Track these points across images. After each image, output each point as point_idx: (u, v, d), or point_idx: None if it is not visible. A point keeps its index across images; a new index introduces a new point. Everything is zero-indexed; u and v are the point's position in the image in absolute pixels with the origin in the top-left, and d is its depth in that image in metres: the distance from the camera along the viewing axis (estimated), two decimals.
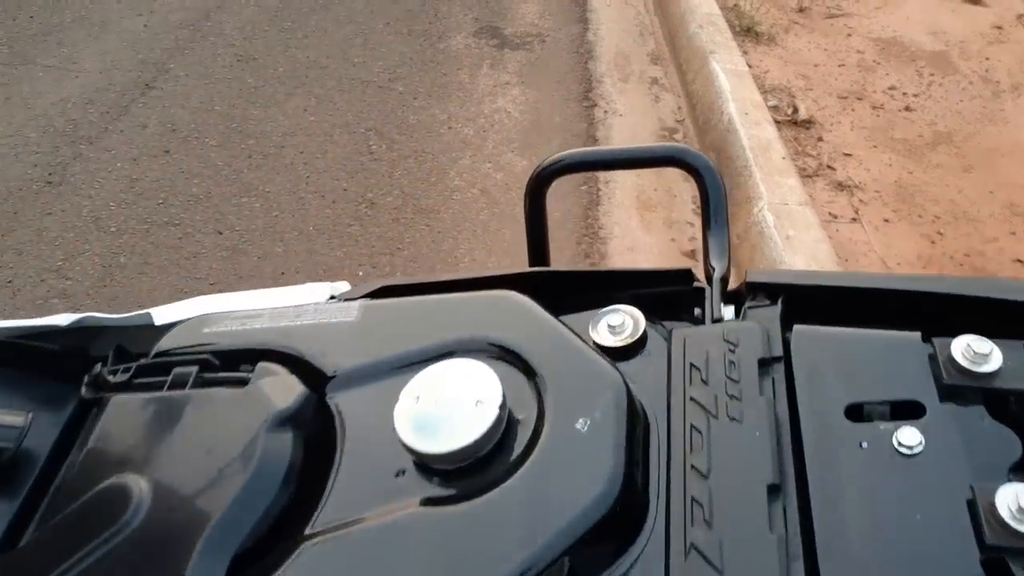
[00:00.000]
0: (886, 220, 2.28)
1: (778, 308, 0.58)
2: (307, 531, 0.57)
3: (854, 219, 2.27)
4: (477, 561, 0.53)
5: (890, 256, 2.14)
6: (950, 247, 2.20)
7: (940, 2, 3.57)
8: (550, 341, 0.63)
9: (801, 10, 3.51)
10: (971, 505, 0.44)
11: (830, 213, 2.27)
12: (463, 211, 2.51)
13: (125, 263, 2.28)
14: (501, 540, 0.53)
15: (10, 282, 2.20)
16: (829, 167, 2.48)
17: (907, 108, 2.83)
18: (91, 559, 0.57)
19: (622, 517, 0.54)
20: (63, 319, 0.83)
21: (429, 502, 0.56)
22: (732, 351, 0.59)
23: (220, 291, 2.15)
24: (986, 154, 2.59)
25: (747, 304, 0.61)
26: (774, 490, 0.51)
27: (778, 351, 0.58)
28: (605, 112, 2.97)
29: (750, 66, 2.98)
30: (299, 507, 0.59)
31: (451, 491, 0.56)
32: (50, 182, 2.59)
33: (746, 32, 3.26)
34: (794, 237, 2.06)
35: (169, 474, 0.61)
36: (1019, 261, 2.12)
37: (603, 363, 0.60)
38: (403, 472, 0.58)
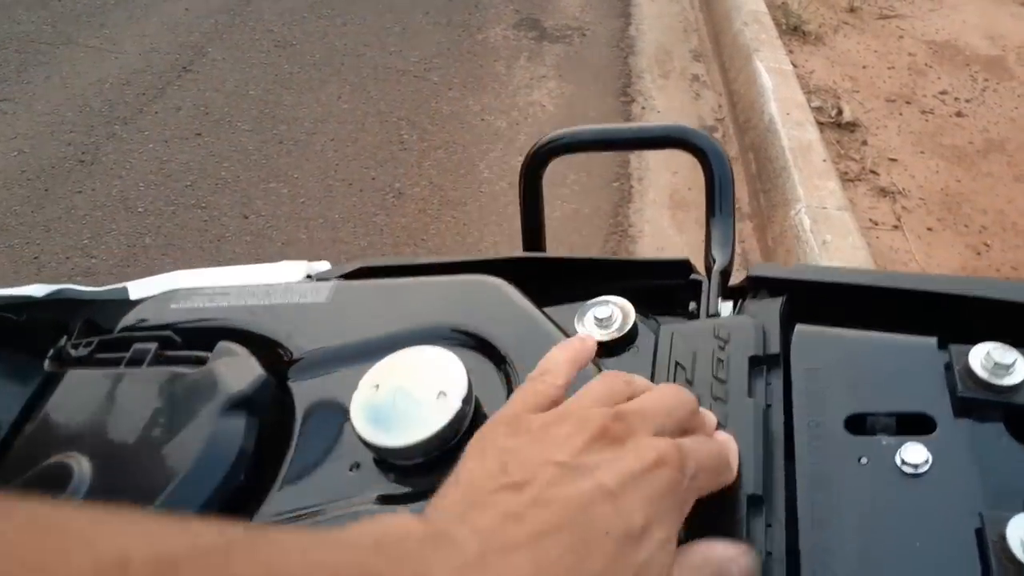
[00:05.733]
0: (930, 229, 2.18)
1: (778, 303, 0.52)
2: (252, 521, 0.53)
3: (896, 226, 2.18)
4: None
5: (931, 266, 2.04)
6: (997, 259, 2.09)
7: (999, 5, 3.42)
8: (524, 330, 0.58)
9: (852, 10, 3.40)
10: (979, 535, 0.38)
11: (871, 219, 2.18)
12: (490, 204, 2.46)
13: (149, 244, 2.28)
14: None
15: (36, 258, 2.21)
16: (872, 172, 2.38)
17: (958, 114, 2.71)
18: None
19: None
20: (39, 289, 0.80)
21: (384, 500, 0.52)
22: (722, 348, 0.53)
23: None
24: None
25: (746, 299, 0.56)
26: (755, 502, 0.45)
27: (774, 349, 0.52)
28: (643, 108, 2.90)
29: (795, 66, 2.88)
30: (246, 495, 0.54)
31: (408, 489, 0.52)
32: (82, 161, 2.61)
33: (793, 31, 3.16)
34: (831, 243, 1.98)
35: (115, 453, 0.57)
36: None
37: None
38: (357, 466, 0.54)
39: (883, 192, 2.29)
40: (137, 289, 0.78)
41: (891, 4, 3.46)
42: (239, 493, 0.55)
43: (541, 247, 0.84)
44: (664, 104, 2.93)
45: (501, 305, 0.60)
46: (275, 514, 0.53)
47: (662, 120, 2.82)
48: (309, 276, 0.72)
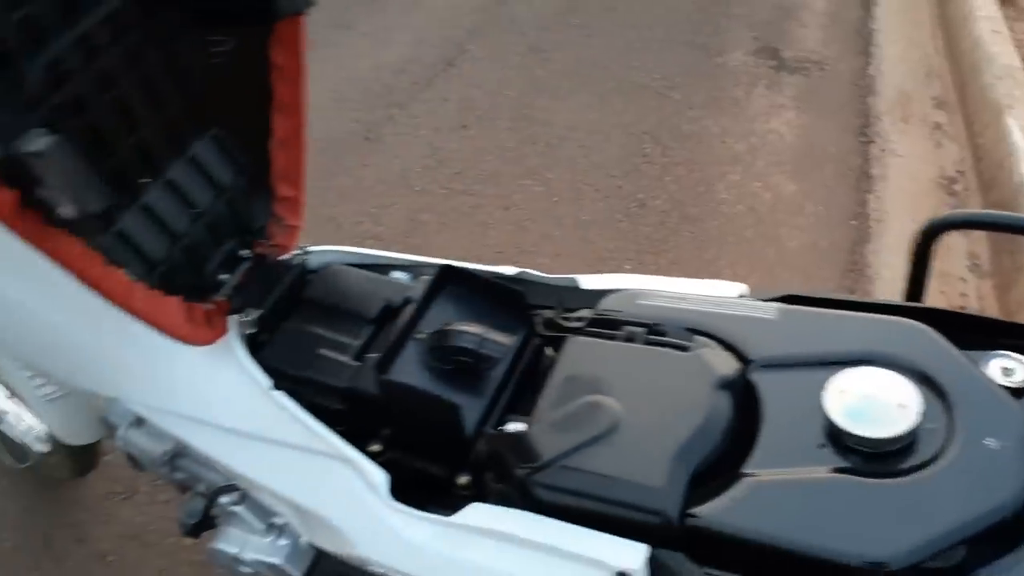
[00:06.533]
0: None
1: None
2: (744, 470, 0.74)
3: None
4: (887, 527, 0.68)
5: None
6: None
7: None
8: (959, 370, 0.76)
9: None
10: None
11: None
12: (728, 225, 2.63)
13: (427, 220, 2.61)
14: (911, 516, 0.68)
15: (332, 219, 2.59)
16: None
17: None
18: (586, 450, 0.77)
19: (1019, 522, 0.67)
20: (509, 270, 1.06)
21: (840, 471, 0.72)
22: None
23: (505, 258, 2.41)
24: None
25: None
26: None
27: None
28: (882, 150, 2.97)
29: None
30: (736, 451, 0.76)
31: (869, 469, 0.72)
32: (367, 138, 2.99)
33: None
34: None
35: (634, 403, 0.80)
36: None
37: (1010, 398, 0.73)
38: (824, 445, 0.74)
39: None
40: (586, 282, 1.02)
41: None
42: (725, 454, 0.77)
43: (919, 301, 1.01)
44: (904, 149, 2.98)
45: (934, 346, 0.79)
46: (761, 466, 0.74)
47: (904, 165, 2.88)
48: (742, 295, 0.94)
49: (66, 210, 0.65)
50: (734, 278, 2.44)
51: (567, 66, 3.48)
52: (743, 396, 0.80)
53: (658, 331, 0.87)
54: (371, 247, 2.51)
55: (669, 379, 0.81)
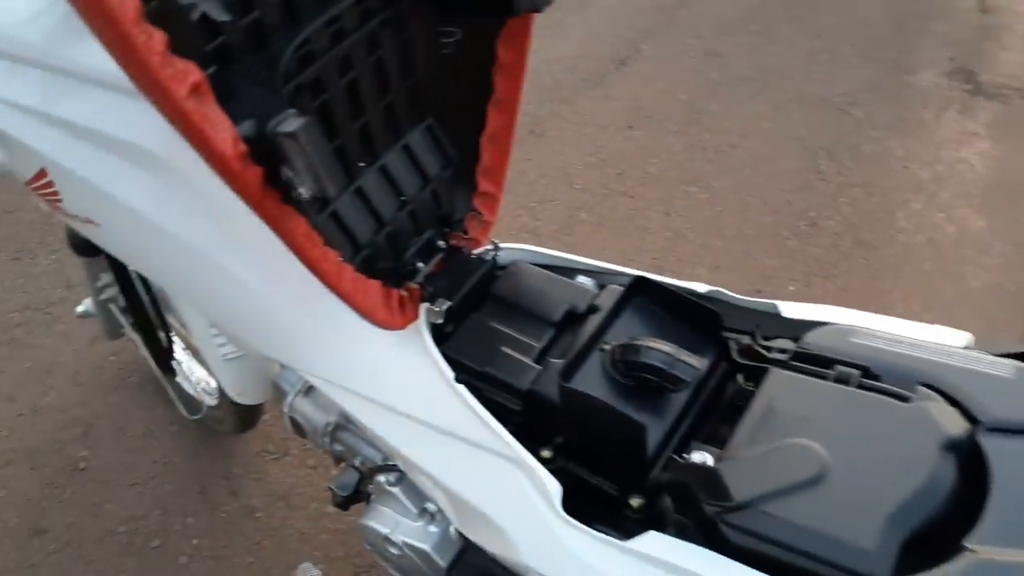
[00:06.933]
0: None
1: None
2: (967, 544, 0.67)
3: None
4: None
5: None
6: None
7: None
8: None
9: None
10: None
11: None
12: (906, 255, 2.46)
13: (584, 219, 2.58)
14: None
15: None
16: None
17: None
18: (788, 497, 0.72)
19: None
20: (700, 287, 1.02)
21: None
22: None
23: (659, 265, 2.34)
24: None
25: None
26: None
27: None
28: None
29: None
30: (956, 521, 0.69)
31: None
32: (533, 132, 2.99)
33: None
34: None
35: (844, 452, 0.74)
36: None
37: None
38: None
39: None
40: (788, 309, 0.96)
41: None
42: (944, 522, 0.70)
43: None
44: None
45: None
46: (987, 542, 0.67)
47: None
48: (967, 346, 0.85)
49: (304, 190, 0.66)
50: (908, 312, 2.30)
51: (743, 72, 3.36)
52: (969, 460, 0.72)
53: (874, 375, 0.80)
54: (527, 242, 2.53)
55: (886, 431, 0.75)
